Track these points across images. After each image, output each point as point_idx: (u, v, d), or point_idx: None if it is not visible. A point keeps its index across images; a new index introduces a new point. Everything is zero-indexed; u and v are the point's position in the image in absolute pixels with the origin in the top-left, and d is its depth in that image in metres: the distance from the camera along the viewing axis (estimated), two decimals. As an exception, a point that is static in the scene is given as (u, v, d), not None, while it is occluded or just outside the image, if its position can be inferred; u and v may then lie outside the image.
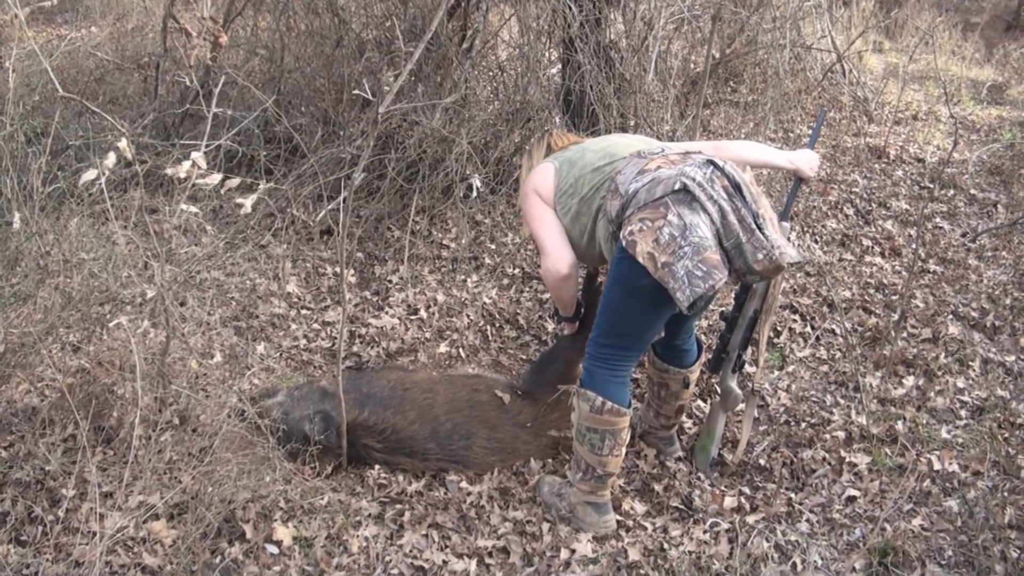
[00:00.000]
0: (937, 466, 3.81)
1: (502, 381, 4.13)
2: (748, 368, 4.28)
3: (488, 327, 4.90)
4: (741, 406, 3.98)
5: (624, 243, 3.17)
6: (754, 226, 3.15)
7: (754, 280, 3.36)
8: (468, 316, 4.93)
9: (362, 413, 3.76)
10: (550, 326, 4.94)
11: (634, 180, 3.25)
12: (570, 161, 3.62)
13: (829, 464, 3.87)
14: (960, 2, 14.83)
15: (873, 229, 6.01)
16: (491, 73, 6.39)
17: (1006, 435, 4.06)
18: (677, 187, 3.13)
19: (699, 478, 3.85)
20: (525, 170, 3.95)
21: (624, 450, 3.50)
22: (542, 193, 3.64)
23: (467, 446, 3.78)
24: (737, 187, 3.20)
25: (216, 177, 3.12)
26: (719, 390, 3.92)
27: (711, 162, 3.25)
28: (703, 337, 4.82)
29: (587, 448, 3.47)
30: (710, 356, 3.97)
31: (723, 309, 3.91)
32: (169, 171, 3.05)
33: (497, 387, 3.99)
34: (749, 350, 3.94)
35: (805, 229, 6.05)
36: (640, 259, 3.12)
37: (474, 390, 3.95)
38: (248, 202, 3.17)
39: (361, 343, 4.67)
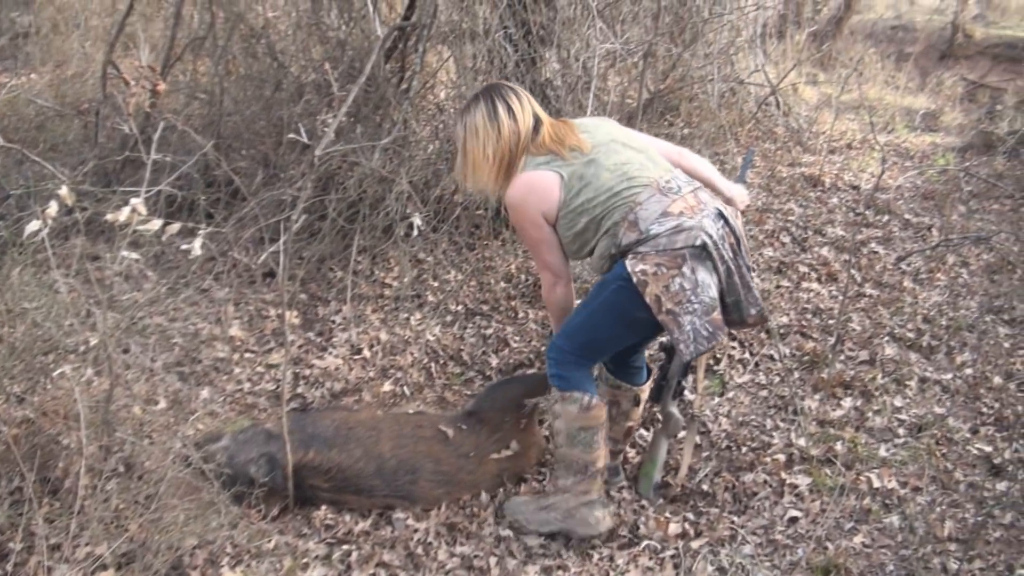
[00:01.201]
0: (876, 484, 3.87)
1: (447, 416, 4.13)
2: (688, 395, 4.34)
3: (432, 364, 4.93)
4: (683, 432, 4.03)
5: (634, 279, 3.28)
6: (750, 282, 3.42)
7: (739, 329, 3.55)
8: (412, 354, 4.96)
9: (307, 454, 3.75)
10: (494, 361, 4.97)
11: (656, 222, 3.29)
12: (580, 177, 3.39)
13: (770, 487, 3.92)
14: (894, 33, 15.11)
15: (809, 256, 6.11)
16: (430, 113, 6.45)
17: (944, 451, 4.13)
18: (697, 243, 3.27)
19: (643, 506, 3.88)
20: (481, 140, 3.49)
21: None
22: (545, 211, 3.44)
23: (413, 480, 3.79)
24: (739, 241, 3.42)
25: (156, 223, 3.14)
26: (660, 417, 3.97)
27: (721, 215, 3.40)
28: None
29: (581, 449, 3.57)
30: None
31: (662, 339, 3.96)
32: (109, 217, 3.06)
33: (441, 422, 3.99)
34: (689, 377, 3.99)
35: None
36: (647, 299, 3.27)
37: (418, 426, 3.96)
38: (196, 244, 3.19)
39: (305, 384, 4.68)
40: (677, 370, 3.87)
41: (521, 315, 5.43)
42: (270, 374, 4.77)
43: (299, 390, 4.64)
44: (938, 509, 3.72)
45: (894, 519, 3.64)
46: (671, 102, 8.17)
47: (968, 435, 4.25)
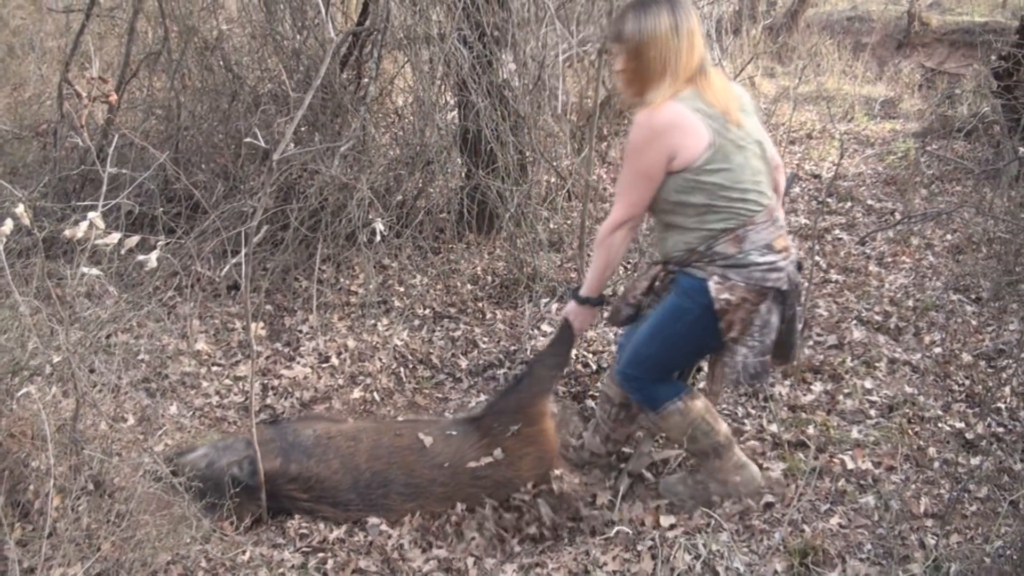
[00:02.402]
0: (851, 465, 3.87)
1: (442, 422, 4.08)
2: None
3: (401, 369, 4.91)
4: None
5: (716, 305, 3.26)
6: (798, 329, 3.52)
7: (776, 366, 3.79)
8: (380, 360, 4.93)
9: (287, 463, 3.73)
10: (463, 363, 4.96)
11: (758, 251, 3.24)
12: (726, 157, 3.17)
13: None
14: (850, 24, 15.21)
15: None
16: (389, 119, 6.43)
17: (916, 429, 4.14)
18: (784, 288, 3.30)
19: (617, 497, 3.87)
20: (661, 50, 3.17)
21: None
22: (675, 155, 3.16)
23: (385, 494, 3.73)
24: (801, 291, 3.52)
25: (115, 236, 3.10)
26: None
27: (799, 265, 3.45)
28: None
29: (703, 438, 3.61)
30: None
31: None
32: (67, 233, 3.02)
33: (425, 429, 3.92)
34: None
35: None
36: (721, 321, 3.28)
37: (397, 435, 3.89)
38: (152, 256, 3.16)
39: (274, 395, 4.64)
40: None
41: (489, 316, 5.42)
42: (238, 386, 4.73)
43: (268, 401, 4.61)
44: (913, 487, 3.73)
45: (869, 499, 3.64)
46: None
47: (940, 412, 4.26)
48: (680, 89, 3.18)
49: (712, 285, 3.25)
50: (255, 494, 3.69)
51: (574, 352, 4.91)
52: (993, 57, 8.11)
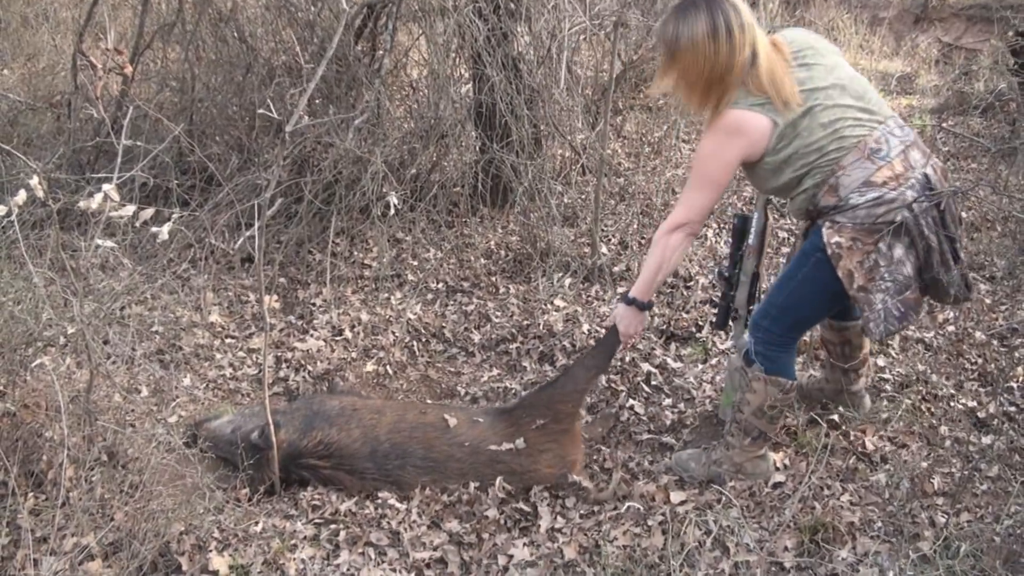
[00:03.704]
0: (862, 442, 3.89)
1: (470, 410, 4.07)
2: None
3: (414, 343, 4.92)
4: None
5: (828, 251, 3.24)
6: (950, 260, 3.28)
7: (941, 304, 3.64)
8: (394, 333, 4.94)
9: (309, 431, 3.79)
10: (476, 337, 4.97)
11: (857, 191, 3.20)
12: (793, 126, 3.19)
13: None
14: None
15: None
16: (404, 92, 6.42)
17: (929, 407, 4.14)
18: (898, 220, 3.17)
19: (630, 472, 3.87)
20: (699, 57, 3.14)
21: None
22: (747, 155, 3.25)
23: (401, 466, 3.76)
24: (943, 215, 3.27)
25: (130, 208, 3.10)
26: (735, 347, 3.96)
27: (928, 181, 3.26)
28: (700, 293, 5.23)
29: (766, 421, 3.62)
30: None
31: (720, 268, 3.94)
32: (82, 204, 3.03)
33: (451, 412, 3.93)
34: (753, 305, 3.95)
35: (721, 225, 6.16)
36: (840, 272, 3.23)
37: (422, 412, 3.93)
38: (164, 229, 3.17)
39: (288, 367, 4.66)
40: (744, 299, 3.85)
41: (502, 291, 5.43)
42: (251, 358, 4.75)
43: (281, 374, 4.62)
44: (924, 464, 3.73)
45: (880, 476, 3.65)
46: (645, 72, 8.14)
47: (952, 391, 4.26)
48: (732, 89, 3.18)
49: (824, 230, 3.26)
50: (264, 454, 3.75)
51: (587, 327, 4.92)
52: (1010, 33, 8.05)
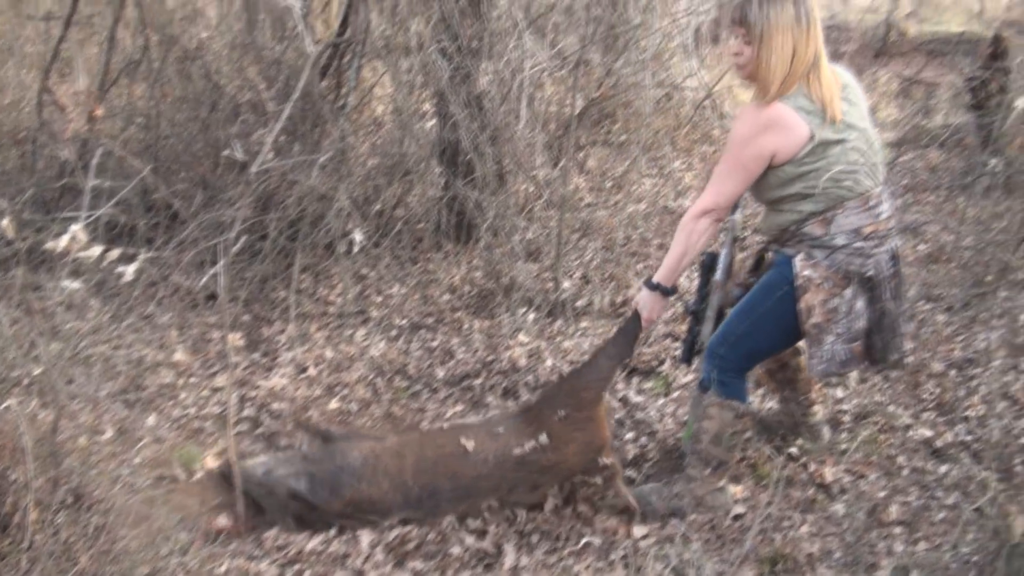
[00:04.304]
0: (821, 474, 3.93)
1: (489, 422, 4.09)
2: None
3: (378, 379, 4.93)
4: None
5: (798, 282, 3.33)
6: (899, 329, 3.48)
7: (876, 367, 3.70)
8: (357, 370, 4.95)
9: (340, 491, 3.74)
10: (440, 373, 4.99)
11: (845, 234, 3.30)
12: (824, 149, 3.24)
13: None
14: (828, 33, 15.26)
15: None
16: (368, 129, 6.47)
17: (887, 438, 4.20)
18: (867, 274, 3.33)
19: (591, 508, 3.90)
20: (789, 41, 3.22)
21: None
22: (779, 153, 3.25)
23: (435, 504, 3.72)
24: (899, 286, 3.47)
25: (97, 249, 3.12)
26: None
27: (895, 257, 3.43)
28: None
29: (724, 449, 3.66)
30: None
31: (686, 302, 3.98)
32: (49, 245, 3.05)
33: (468, 432, 3.87)
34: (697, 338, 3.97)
35: (685, 259, 6.21)
36: (801, 304, 3.33)
37: (439, 445, 3.87)
38: (130, 268, 3.18)
39: (252, 406, 4.67)
40: (707, 333, 3.88)
41: (466, 326, 5.45)
42: (216, 397, 4.75)
43: (245, 412, 4.63)
44: (882, 494, 3.78)
45: (839, 507, 3.69)
46: (607, 109, 8.23)
47: (910, 421, 4.32)
48: (792, 83, 3.24)
49: (797, 261, 3.34)
50: (314, 507, 3.73)
51: (551, 362, 4.96)
52: (966, 70, 8.19)
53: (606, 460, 3.77)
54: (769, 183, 3.36)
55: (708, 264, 3.81)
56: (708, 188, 3.44)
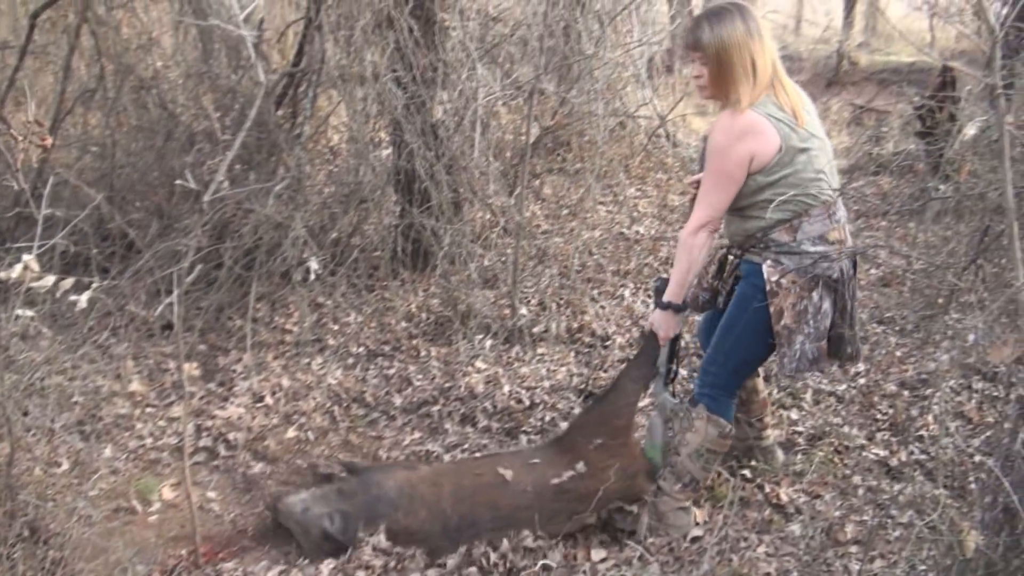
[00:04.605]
0: (777, 494, 3.97)
1: (525, 451, 4.12)
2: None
3: (335, 407, 4.92)
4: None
5: (767, 287, 3.40)
6: (855, 325, 3.58)
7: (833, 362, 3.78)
8: (315, 398, 4.95)
9: (377, 522, 3.71)
10: (398, 401, 4.98)
11: (811, 241, 3.41)
12: (792, 157, 3.34)
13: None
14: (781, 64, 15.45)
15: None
16: (324, 158, 6.48)
17: (842, 458, 4.24)
18: (834, 276, 3.43)
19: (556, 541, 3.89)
20: (748, 52, 3.36)
21: None
22: (755, 157, 3.34)
23: (474, 534, 3.70)
24: (856, 285, 3.59)
25: (50, 279, 3.11)
26: (655, 403, 4.00)
27: (855, 260, 3.57)
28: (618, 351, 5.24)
29: (700, 465, 3.70)
30: None
31: (642, 327, 4.02)
32: (2, 275, 3.03)
33: (505, 462, 3.88)
34: (674, 362, 4.01)
35: (638, 285, 6.26)
36: (771, 308, 3.41)
37: (476, 474, 3.86)
38: (83, 298, 3.17)
39: (208, 436, 4.64)
40: (666, 357, 3.90)
41: (423, 353, 5.46)
42: (172, 427, 4.72)
43: (202, 442, 4.60)
44: (837, 514, 3.82)
45: (795, 527, 3.73)
46: (561, 137, 8.29)
47: (864, 441, 4.37)
48: (760, 92, 3.37)
49: (765, 268, 3.42)
50: (342, 545, 3.69)
51: (508, 389, 4.97)
52: (916, 99, 8.31)
53: (643, 485, 3.84)
54: (741, 191, 3.43)
55: (660, 290, 3.85)
56: (699, 202, 3.51)
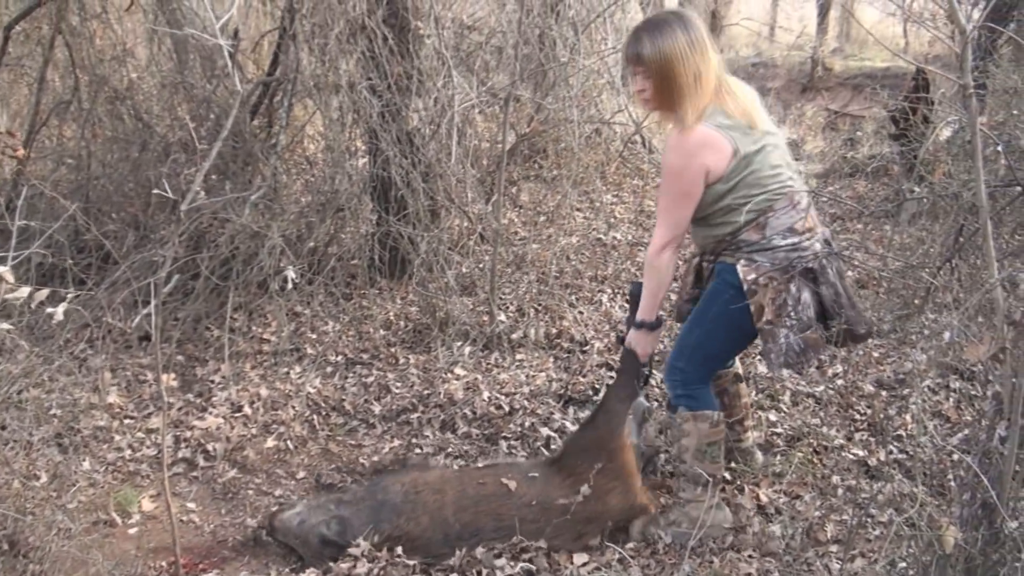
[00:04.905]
0: (756, 495, 3.98)
1: (523, 465, 4.09)
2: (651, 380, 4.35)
3: (315, 416, 4.91)
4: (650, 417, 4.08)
5: (744, 286, 3.41)
6: (856, 302, 3.57)
7: (854, 344, 3.82)
8: (293, 407, 4.94)
9: (379, 528, 3.71)
10: (377, 409, 4.98)
11: (780, 234, 3.41)
12: (747, 160, 3.35)
13: (657, 506, 3.98)
14: (755, 70, 15.57)
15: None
16: (300, 167, 6.47)
17: (821, 459, 4.26)
18: (809, 266, 3.42)
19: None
20: (691, 64, 3.32)
21: None
22: (711, 170, 3.34)
23: (476, 543, 3.70)
24: (842, 266, 3.59)
25: (24, 290, 3.09)
26: (631, 408, 3.97)
27: (828, 241, 3.57)
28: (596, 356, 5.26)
29: (709, 462, 3.70)
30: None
31: (618, 332, 4.03)
32: (-24, 287, 3.01)
33: (508, 473, 3.88)
34: (648, 366, 4.01)
35: (616, 290, 6.27)
36: (752, 307, 3.41)
37: (480, 483, 3.85)
38: (59, 310, 3.15)
39: (187, 447, 4.62)
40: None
41: (402, 361, 5.45)
42: (151, 439, 4.70)
43: (181, 453, 4.58)
44: (817, 514, 3.83)
45: (775, 528, 3.73)
46: (538, 144, 8.30)
47: (843, 442, 4.39)
48: (706, 103, 3.35)
49: (740, 268, 3.43)
50: (342, 548, 3.69)
51: (487, 395, 4.97)
52: (890, 103, 8.37)
53: (643, 502, 3.87)
54: (702, 202, 3.43)
55: (635, 294, 3.87)
56: (659, 224, 3.52)
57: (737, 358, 4.14)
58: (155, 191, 4.17)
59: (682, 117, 3.35)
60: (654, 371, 4.04)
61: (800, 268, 3.40)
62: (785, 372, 3.85)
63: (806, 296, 3.44)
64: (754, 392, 4.82)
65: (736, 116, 3.36)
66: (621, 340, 3.99)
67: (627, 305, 3.98)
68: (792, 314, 3.42)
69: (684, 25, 3.33)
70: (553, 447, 4.51)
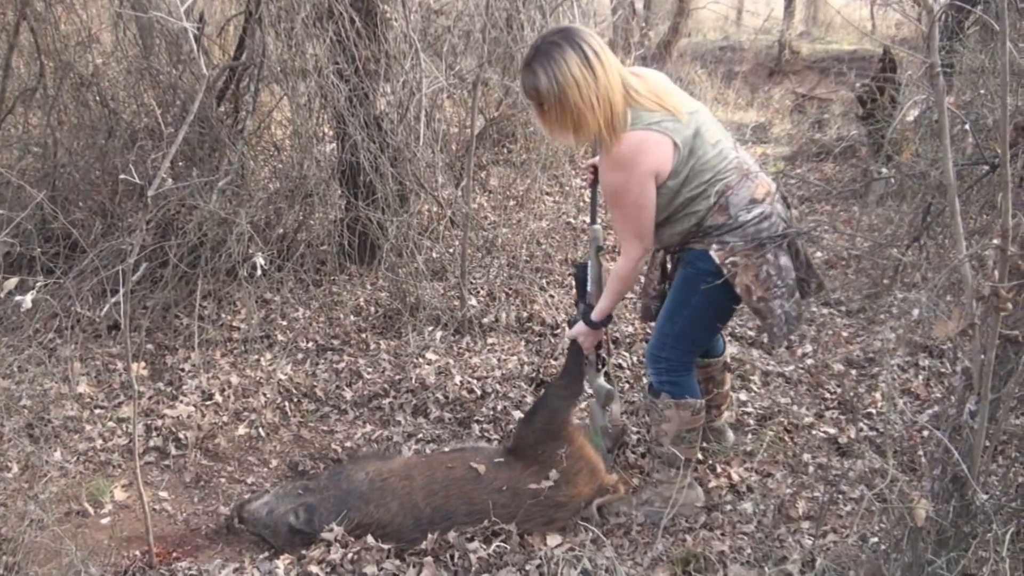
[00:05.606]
0: (728, 474, 4.01)
1: (486, 450, 4.07)
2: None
3: (286, 403, 4.90)
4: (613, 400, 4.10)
5: (724, 270, 3.40)
6: (809, 259, 3.65)
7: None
8: (265, 395, 4.92)
9: (347, 515, 3.71)
10: (348, 394, 4.97)
11: (745, 208, 3.39)
12: (689, 147, 3.31)
13: (627, 486, 4.00)
14: (723, 54, 15.61)
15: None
16: (268, 152, 6.43)
17: (791, 437, 4.29)
18: (779, 230, 3.43)
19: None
20: (583, 90, 3.21)
21: None
22: (657, 172, 3.30)
23: (449, 526, 3.70)
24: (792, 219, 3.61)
25: (-9, 280, 3.07)
26: (591, 390, 4.06)
27: (784, 198, 3.62)
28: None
29: (685, 446, 3.71)
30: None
31: (569, 316, 4.05)
32: (-57, 277, 2.99)
33: (475, 458, 3.89)
34: (603, 349, 4.04)
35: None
36: (738, 289, 3.40)
37: (449, 467, 3.87)
38: (27, 298, 3.12)
39: (158, 436, 4.60)
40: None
41: (373, 347, 5.44)
42: (121, 428, 4.67)
43: (152, 443, 4.56)
44: (789, 491, 3.86)
45: (747, 505, 3.76)
46: (506, 128, 8.29)
47: (813, 420, 4.43)
48: (620, 111, 3.26)
49: (714, 253, 3.42)
50: (311, 536, 3.69)
51: (459, 379, 4.97)
52: (857, 84, 8.42)
53: (610, 481, 3.91)
54: (659, 204, 3.41)
55: (580, 276, 3.89)
56: (625, 241, 3.51)
57: (727, 348, 4.17)
58: (122, 177, 4.13)
59: (602, 137, 3.29)
60: (610, 354, 4.06)
61: (772, 239, 3.41)
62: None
63: (784, 260, 3.46)
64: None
65: (656, 109, 3.29)
66: (570, 323, 4.02)
67: (575, 288, 4.00)
68: (779, 283, 3.43)
69: (573, 43, 3.21)
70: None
